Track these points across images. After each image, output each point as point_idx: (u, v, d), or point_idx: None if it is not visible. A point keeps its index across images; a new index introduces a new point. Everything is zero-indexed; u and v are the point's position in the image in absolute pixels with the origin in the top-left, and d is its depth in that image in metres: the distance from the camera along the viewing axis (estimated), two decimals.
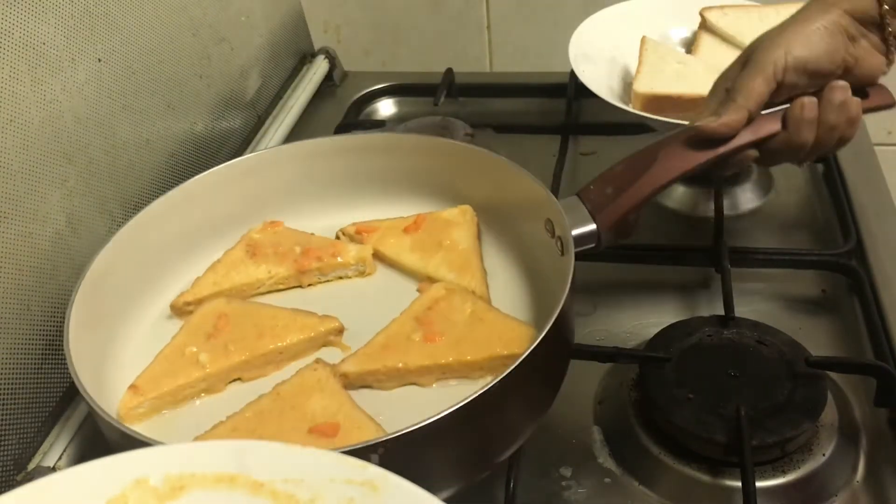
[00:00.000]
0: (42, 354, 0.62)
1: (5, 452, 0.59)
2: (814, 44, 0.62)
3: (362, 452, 0.45)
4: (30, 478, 0.59)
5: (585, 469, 0.60)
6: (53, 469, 0.60)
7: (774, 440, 0.57)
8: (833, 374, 0.64)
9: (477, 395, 0.48)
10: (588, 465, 0.60)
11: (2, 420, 0.58)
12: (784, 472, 0.57)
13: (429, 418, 0.47)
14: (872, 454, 0.59)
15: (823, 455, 0.58)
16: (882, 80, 0.67)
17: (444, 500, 0.37)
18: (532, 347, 0.51)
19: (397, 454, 0.46)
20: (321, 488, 0.39)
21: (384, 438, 0.46)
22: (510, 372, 0.49)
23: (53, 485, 0.39)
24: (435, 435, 0.47)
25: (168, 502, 0.39)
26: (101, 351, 0.61)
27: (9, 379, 0.59)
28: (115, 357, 0.63)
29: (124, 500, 0.39)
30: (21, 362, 0.60)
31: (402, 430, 0.46)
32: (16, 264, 0.60)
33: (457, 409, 0.47)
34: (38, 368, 0.62)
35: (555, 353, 0.56)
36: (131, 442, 0.50)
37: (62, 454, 0.61)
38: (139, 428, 0.58)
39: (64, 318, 0.57)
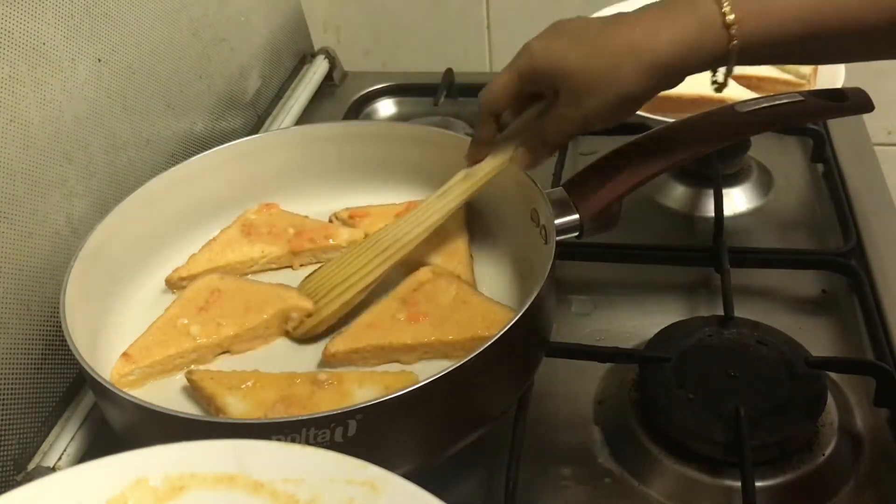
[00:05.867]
0: (42, 354, 0.62)
1: (5, 452, 0.59)
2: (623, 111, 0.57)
3: (340, 418, 0.48)
4: (30, 478, 0.59)
5: (585, 469, 0.60)
6: (53, 469, 0.60)
7: (774, 440, 0.57)
8: (833, 374, 0.64)
9: (450, 370, 0.49)
10: (588, 465, 0.60)
11: (2, 420, 0.58)
12: (784, 472, 0.57)
13: (400, 391, 0.48)
14: (872, 454, 0.59)
15: (823, 455, 0.58)
16: (863, 85, 0.68)
17: (420, 481, 0.37)
18: (507, 327, 0.52)
19: (372, 423, 0.48)
20: (321, 488, 0.39)
21: (359, 406, 0.48)
22: (485, 349, 0.51)
23: (53, 485, 0.40)
24: (407, 406, 0.49)
25: (168, 502, 0.40)
26: (97, 320, 0.63)
27: (9, 379, 0.59)
28: (110, 327, 0.65)
29: (124, 500, 0.39)
30: (21, 362, 0.60)
31: (374, 399, 0.48)
32: (16, 264, 0.60)
33: (430, 382, 0.49)
34: (38, 368, 0.62)
35: (530, 336, 0.58)
36: (121, 403, 0.52)
37: (62, 454, 0.61)
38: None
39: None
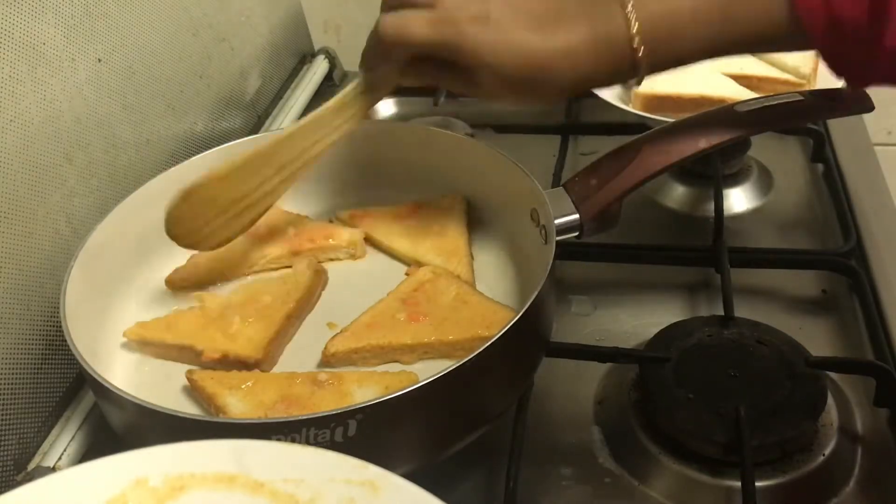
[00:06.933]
0: (42, 354, 0.62)
1: (5, 452, 0.59)
2: None
3: (340, 418, 0.48)
4: (30, 478, 0.59)
5: (585, 469, 0.60)
6: (53, 469, 0.60)
7: (774, 440, 0.57)
8: (833, 374, 0.64)
9: (450, 370, 0.49)
10: (588, 465, 0.60)
11: (2, 420, 0.58)
12: (784, 472, 0.57)
13: (399, 391, 0.48)
14: (872, 454, 0.59)
15: (823, 455, 0.58)
16: None
17: (426, 485, 0.37)
18: (507, 327, 0.52)
19: (372, 423, 0.48)
20: (321, 488, 0.39)
21: (359, 406, 0.48)
22: (485, 349, 0.51)
23: (53, 485, 0.40)
24: (407, 406, 0.49)
25: (168, 502, 0.40)
26: (97, 320, 0.63)
27: (9, 379, 0.59)
28: (111, 327, 0.65)
29: (124, 500, 0.39)
30: (21, 362, 0.60)
31: (374, 399, 0.48)
32: (16, 264, 0.60)
33: (430, 382, 0.49)
34: (38, 368, 0.62)
35: (530, 336, 0.58)
36: (121, 403, 0.52)
37: (62, 454, 0.61)
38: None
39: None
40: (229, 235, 0.66)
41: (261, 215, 0.66)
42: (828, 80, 0.85)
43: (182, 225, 0.64)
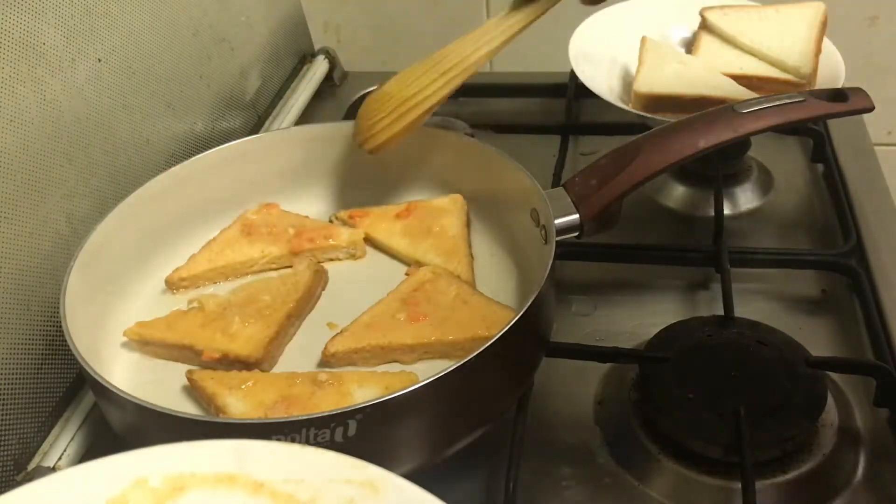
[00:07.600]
0: (42, 354, 0.62)
1: (5, 452, 0.59)
2: None
3: (340, 418, 0.48)
4: (30, 478, 0.59)
5: (585, 469, 0.60)
6: (53, 469, 0.60)
7: (774, 440, 0.57)
8: (833, 374, 0.64)
9: (450, 370, 0.49)
10: (588, 465, 0.60)
11: (2, 420, 0.58)
12: (784, 472, 0.57)
13: (400, 391, 0.48)
14: (872, 454, 0.59)
15: (823, 455, 0.58)
16: (863, 85, 0.68)
17: (426, 485, 0.37)
18: (507, 327, 0.52)
19: (372, 423, 0.49)
20: (321, 488, 0.39)
21: (359, 406, 0.48)
22: (485, 349, 0.51)
23: (53, 485, 0.40)
24: (407, 406, 0.50)
25: (168, 502, 0.40)
26: (97, 320, 0.63)
27: (9, 379, 0.59)
28: (111, 327, 0.65)
29: (124, 500, 0.39)
30: (21, 362, 0.60)
31: (374, 399, 0.48)
32: (16, 264, 0.60)
33: (431, 382, 0.49)
34: (38, 368, 0.62)
35: (530, 336, 0.58)
36: (121, 403, 0.52)
37: (62, 454, 0.61)
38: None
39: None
40: (391, 135, 0.69)
41: (421, 117, 0.69)
42: (828, 79, 0.85)
43: (362, 119, 0.71)
